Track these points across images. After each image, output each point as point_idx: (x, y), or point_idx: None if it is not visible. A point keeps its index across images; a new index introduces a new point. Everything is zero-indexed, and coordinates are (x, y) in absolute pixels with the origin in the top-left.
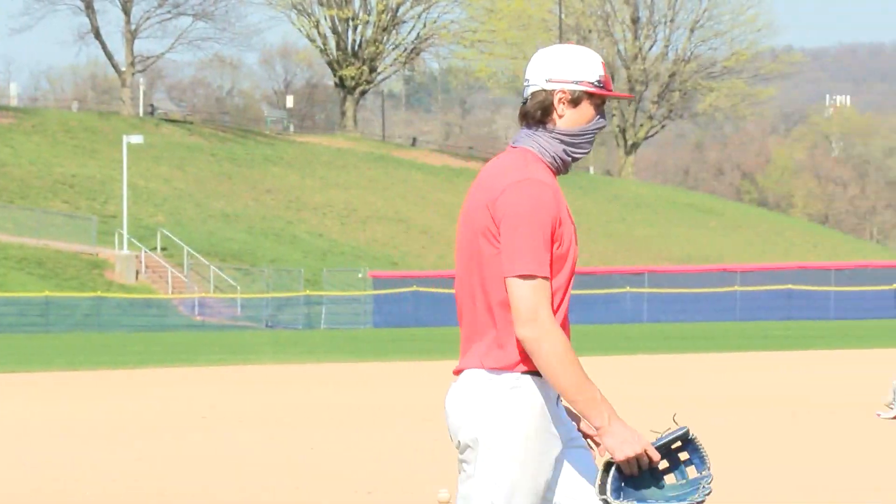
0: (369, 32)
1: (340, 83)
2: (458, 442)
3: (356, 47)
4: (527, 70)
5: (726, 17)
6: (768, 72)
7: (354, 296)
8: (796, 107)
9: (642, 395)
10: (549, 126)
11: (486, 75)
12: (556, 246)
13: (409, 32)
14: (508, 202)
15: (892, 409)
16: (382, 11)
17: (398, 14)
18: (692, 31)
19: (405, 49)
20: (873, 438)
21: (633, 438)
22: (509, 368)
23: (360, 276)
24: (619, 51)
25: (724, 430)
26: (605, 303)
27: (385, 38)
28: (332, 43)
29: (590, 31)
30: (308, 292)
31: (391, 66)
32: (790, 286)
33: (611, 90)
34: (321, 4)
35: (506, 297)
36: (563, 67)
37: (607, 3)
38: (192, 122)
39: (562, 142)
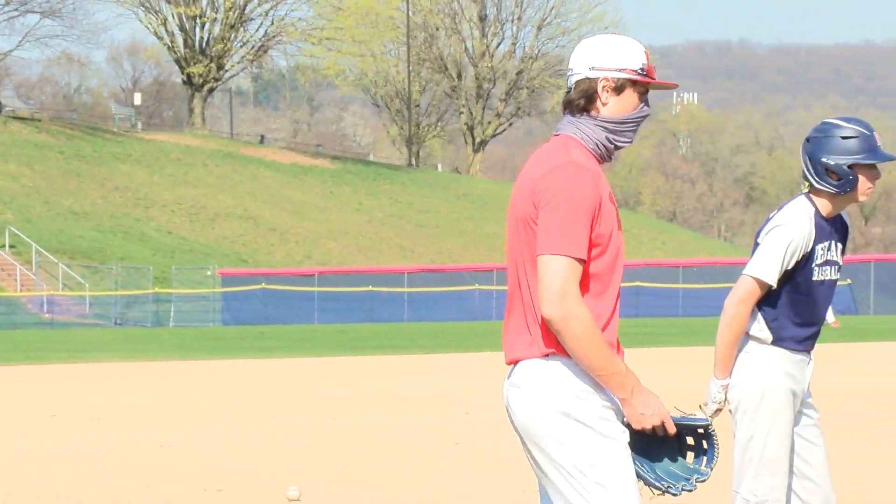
0: (217, 30)
1: (188, 81)
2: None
3: (204, 45)
4: (570, 60)
5: (573, 15)
6: None
7: (203, 293)
8: None
9: (490, 390)
10: (593, 114)
11: (333, 73)
12: (595, 230)
13: (257, 30)
14: (548, 186)
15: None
16: (230, 9)
17: (245, 12)
18: (539, 28)
19: (253, 46)
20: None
21: (653, 410)
22: (566, 353)
23: (208, 273)
24: (466, 48)
25: None
26: (455, 300)
27: (233, 35)
28: (179, 40)
29: (437, 29)
30: (157, 290)
31: (239, 63)
32: (639, 283)
33: (654, 79)
34: (168, 2)
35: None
36: (607, 55)
37: (455, 1)
38: (39, 120)
39: (605, 129)
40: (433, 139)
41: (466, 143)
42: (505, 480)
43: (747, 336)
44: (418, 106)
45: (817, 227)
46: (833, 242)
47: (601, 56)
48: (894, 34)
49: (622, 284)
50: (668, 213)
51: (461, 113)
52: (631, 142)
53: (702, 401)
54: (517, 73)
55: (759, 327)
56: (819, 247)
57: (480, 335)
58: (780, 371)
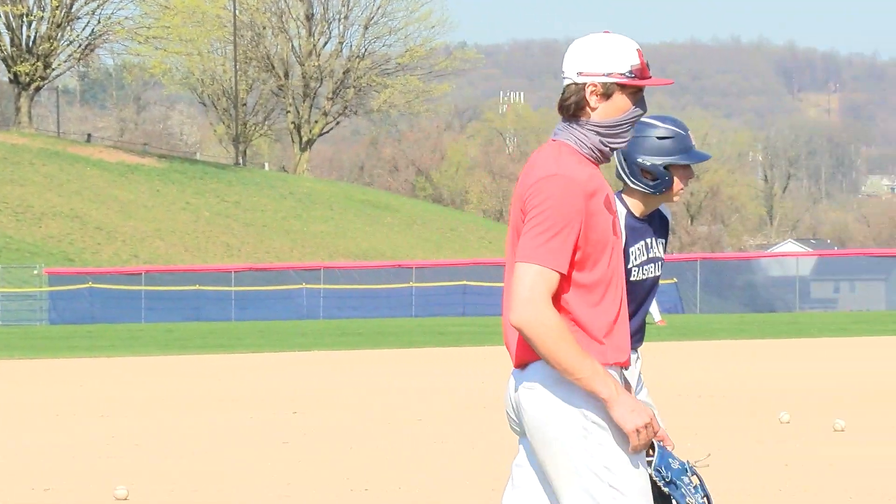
0: (44, 28)
1: (15, 79)
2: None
3: (30, 43)
4: (563, 62)
5: (400, 14)
6: (443, 68)
7: (30, 293)
8: (471, 103)
9: (328, 388)
10: (584, 119)
11: (160, 72)
12: (583, 240)
13: (84, 28)
14: (534, 196)
15: None
16: (57, 7)
17: (72, 10)
18: (366, 27)
19: (80, 45)
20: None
21: (640, 408)
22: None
23: (35, 272)
24: (293, 47)
25: (421, 425)
26: (282, 299)
27: (59, 34)
28: (6, 39)
29: (264, 28)
30: None
31: (66, 62)
32: (465, 282)
33: (647, 77)
34: None
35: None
36: (594, 60)
37: (281, 0)
38: None
39: (598, 133)
40: (260, 138)
41: (293, 141)
42: (331, 479)
43: None
44: (245, 105)
45: (629, 228)
46: (651, 240)
47: (588, 61)
48: (720, 33)
49: (468, 283)
50: (494, 212)
51: (288, 112)
52: (626, 142)
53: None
54: (344, 72)
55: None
56: (633, 249)
57: (308, 334)
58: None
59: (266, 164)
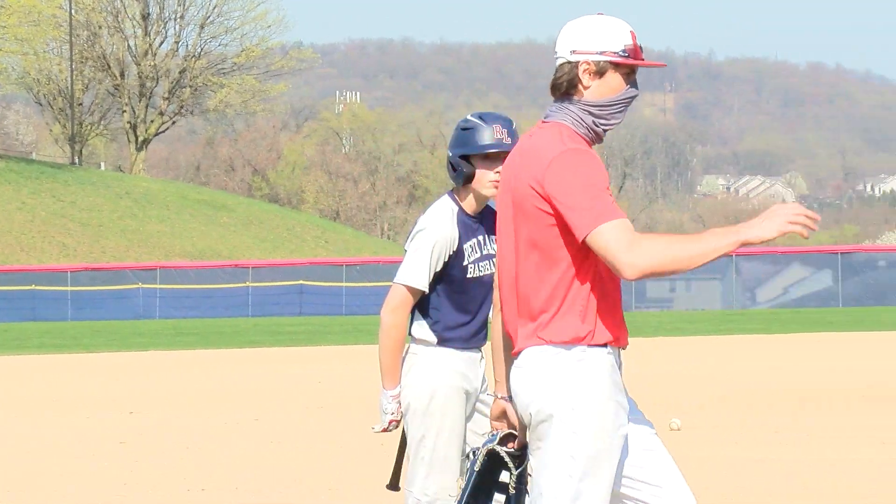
0: None
1: None
2: (530, 417)
3: None
4: (556, 43)
5: (236, 14)
6: (279, 68)
7: None
8: (307, 103)
9: (149, 390)
10: (577, 98)
11: None
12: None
13: None
14: (558, 174)
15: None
16: None
17: None
18: (202, 27)
19: None
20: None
21: (766, 217)
22: (577, 342)
23: None
24: (129, 47)
25: (237, 425)
26: (118, 299)
27: None
28: None
29: (100, 28)
30: None
31: None
32: (302, 282)
33: (640, 59)
34: None
35: (565, 272)
36: (587, 38)
37: (117, 0)
38: None
39: (590, 113)
40: (96, 138)
41: (129, 141)
42: (168, 479)
43: (413, 339)
44: (81, 104)
45: (462, 225)
46: (484, 237)
47: (582, 39)
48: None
49: (305, 282)
50: (331, 211)
51: (124, 111)
52: (619, 123)
53: (377, 412)
54: (180, 72)
55: (423, 330)
56: (467, 245)
57: (144, 334)
58: (449, 370)
59: (102, 164)
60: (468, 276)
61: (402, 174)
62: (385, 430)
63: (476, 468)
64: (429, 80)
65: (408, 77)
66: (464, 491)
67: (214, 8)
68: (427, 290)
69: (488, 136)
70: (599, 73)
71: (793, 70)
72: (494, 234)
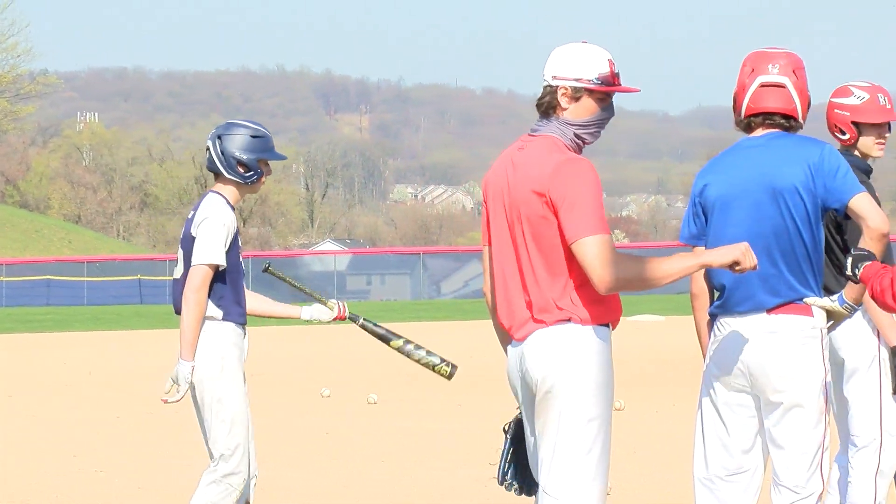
0: None
1: None
2: (544, 388)
3: None
4: (545, 67)
5: None
6: (28, 92)
7: None
8: (53, 122)
9: None
10: (558, 115)
11: None
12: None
13: None
14: (565, 179)
15: (178, 392)
16: None
17: None
18: None
19: None
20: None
21: (725, 248)
22: (585, 322)
23: None
24: None
25: None
26: None
27: None
28: None
29: None
30: None
31: None
32: (49, 277)
33: (615, 84)
34: None
35: (564, 263)
36: (566, 66)
37: None
38: None
39: (570, 127)
40: None
41: None
42: None
43: (206, 316)
44: None
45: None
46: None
47: (562, 66)
48: (267, 62)
49: (52, 277)
50: (74, 215)
51: None
52: (596, 138)
53: (169, 381)
54: None
55: (212, 307)
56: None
57: None
58: (231, 342)
59: None
60: (240, 258)
61: (135, 183)
62: (169, 401)
63: (510, 436)
64: (158, 102)
65: (140, 100)
66: (503, 456)
67: None
68: (224, 265)
69: (272, 144)
70: (575, 97)
71: (471, 94)
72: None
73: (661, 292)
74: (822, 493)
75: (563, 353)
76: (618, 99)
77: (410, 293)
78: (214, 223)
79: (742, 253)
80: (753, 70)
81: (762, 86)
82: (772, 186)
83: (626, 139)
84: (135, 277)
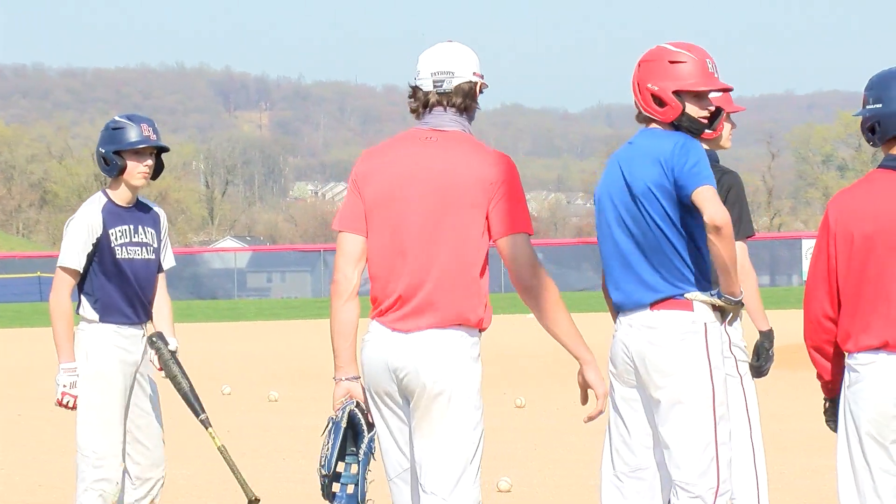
0: None
1: None
2: (424, 389)
3: None
4: (443, 63)
5: None
6: None
7: None
8: None
9: None
10: (469, 112)
11: None
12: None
13: None
14: (502, 173)
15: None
16: None
17: None
18: None
19: None
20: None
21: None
22: (477, 325)
23: None
24: None
25: None
26: None
27: None
28: None
29: None
30: None
31: None
32: None
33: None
34: None
35: (478, 259)
36: (474, 62)
37: None
38: None
39: (469, 120)
40: None
41: None
42: None
43: (81, 318)
44: None
45: (108, 213)
46: (138, 226)
47: (476, 63)
48: (167, 59)
49: None
50: None
51: None
52: None
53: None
54: None
55: (86, 309)
56: (114, 230)
57: None
58: (111, 344)
59: None
60: (119, 256)
61: (35, 181)
62: (60, 404)
63: (342, 424)
64: (57, 100)
65: (39, 97)
66: (333, 445)
67: None
68: (80, 269)
69: (136, 133)
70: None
71: (371, 91)
72: (149, 226)
73: (562, 289)
74: (718, 489)
75: (448, 357)
76: (517, 96)
77: (311, 290)
78: (73, 225)
79: (604, 394)
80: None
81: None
82: (630, 190)
83: (526, 136)
84: (34, 275)
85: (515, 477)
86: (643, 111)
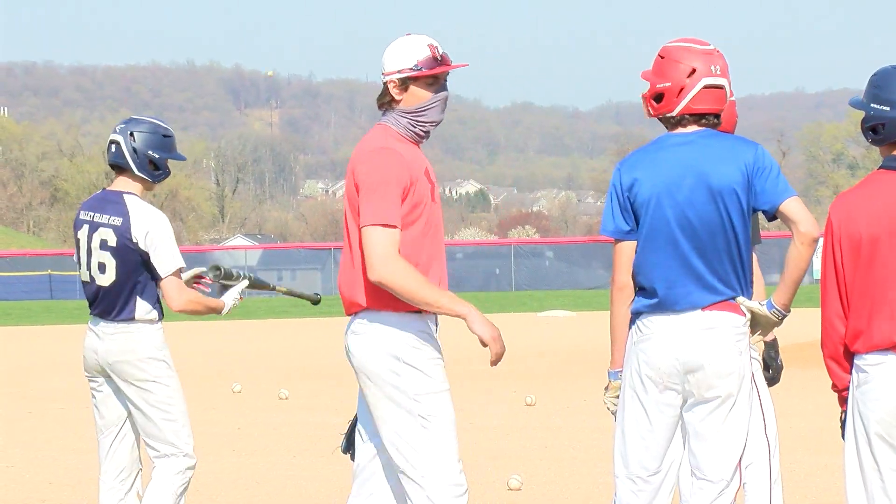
0: None
1: None
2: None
3: None
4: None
5: None
6: None
7: None
8: None
9: None
10: (395, 107)
11: None
12: (409, 201)
13: None
14: (362, 165)
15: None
16: None
17: None
18: None
19: None
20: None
21: (490, 321)
22: (382, 308)
23: None
24: None
25: None
26: None
27: None
28: None
29: None
30: None
31: None
32: None
33: (434, 67)
34: None
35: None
36: (388, 61)
37: None
38: None
39: (404, 117)
40: None
41: None
42: None
43: (143, 320)
44: None
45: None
46: None
47: (386, 62)
48: (177, 56)
49: None
50: None
51: None
52: (438, 121)
53: None
54: None
55: (150, 311)
56: None
57: None
58: (163, 342)
59: None
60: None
61: (45, 179)
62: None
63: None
64: (68, 97)
65: (49, 95)
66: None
67: None
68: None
69: (176, 144)
70: (404, 87)
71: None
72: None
73: (572, 287)
74: (738, 491)
75: (367, 339)
76: (527, 94)
77: (321, 288)
78: (164, 232)
79: (493, 338)
80: (695, 71)
81: (706, 87)
82: (708, 185)
83: (536, 134)
84: (45, 273)
85: (526, 475)
86: (709, 112)
